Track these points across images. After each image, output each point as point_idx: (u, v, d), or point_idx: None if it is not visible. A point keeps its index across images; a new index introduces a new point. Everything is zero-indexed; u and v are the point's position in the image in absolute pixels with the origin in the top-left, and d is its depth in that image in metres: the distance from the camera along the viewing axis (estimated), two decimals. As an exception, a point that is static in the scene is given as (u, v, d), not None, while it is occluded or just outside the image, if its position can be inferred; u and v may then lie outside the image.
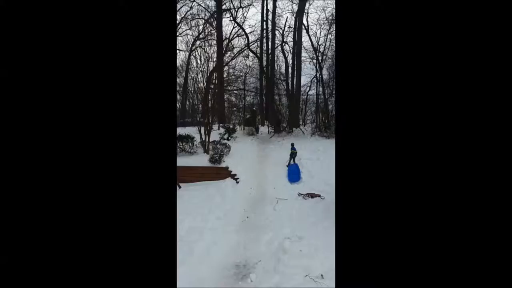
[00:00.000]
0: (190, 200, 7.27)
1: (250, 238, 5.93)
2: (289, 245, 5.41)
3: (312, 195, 7.76)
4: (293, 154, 9.98)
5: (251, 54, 17.55)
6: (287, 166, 9.78)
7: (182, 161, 9.14)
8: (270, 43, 16.96)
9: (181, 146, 9.84)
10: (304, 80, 16.66)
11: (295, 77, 16.22)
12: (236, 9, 17.08)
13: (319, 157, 9.86)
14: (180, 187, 8.05)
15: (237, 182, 8.82)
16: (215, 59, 15.72)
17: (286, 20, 18.19)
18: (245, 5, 17.25)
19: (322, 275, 4.36)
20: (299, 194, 7.93)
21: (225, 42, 16.99)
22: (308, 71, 18.84)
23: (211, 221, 6.50)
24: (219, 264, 5.01)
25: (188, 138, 9.99)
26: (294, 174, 9.24)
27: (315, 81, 15.59)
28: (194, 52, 16.97)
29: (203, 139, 10.34)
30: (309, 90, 16.34)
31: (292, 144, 10.40)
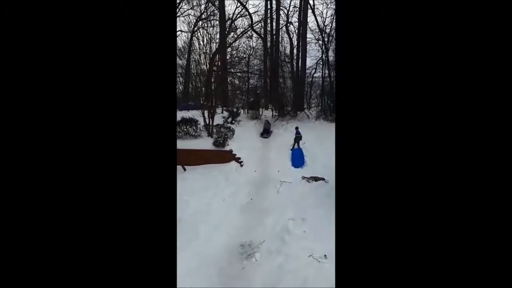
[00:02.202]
0: (195, 182, 7.38)
1: (254, 219, 6.05)
2: (293, 226, 5.53)
3: (316, 179, 7.81)
4: (297, 138, 9.96)
5: (254, 35, 17.13)
6: (291, 150, 9.79)
7: (187, 144, 9.19)
8: (274, 24, 16.47)
9: (185, 130, 9.85)
10: (310, 62, 16.28)
11: (300, 59, 15.85)
12: (240, -13, 16.48)
13: (324, 141, 9.81)
14: (185, 169, 8.15)
15: (241, 165, 8.88)
16: (217, 40, 15.35)
17: (291, 0, 17.55)
18: (248, -17, 16.61)
19: (325, 255, 4.46)
20: (303, 178, 7.98)
21: (228, 22, 16.52)
22: (313, 53, 18.35)
23: (216, 203, 6.62)
24: (224, 244, 5.15)
25: (192, 122, 9.97)
26: (298, 158, 9.25)
27: (321, 63, 15.22)
28: (196, 33, 16.57)
29: (207, 123, 10.32)
30: (314, 73, 15.97)
31: (297, 128, 10.35)
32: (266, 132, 11.68)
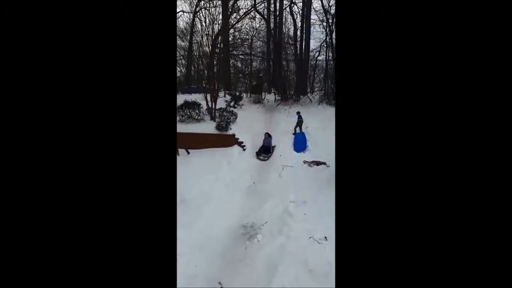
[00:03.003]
0: (199, 165, 7.49)
1: (256, 202, 6.21)
2: (294, 209, 5.67)
3: (318, 163, 7.89)
4: (299, 123, 9.98)
5: (258, 16, 16.65)
6: (293, 134, 9.83)
7: (189, 128, 9.23)
8: (278, 4, 15.95)
9: (188, 113, 9.85)
10: (313, 44, 15.95)
11: (303, 41, 15.49)
12: (242, -35, 15.84)
13: (326, 126, 9.80)
14: (188, 153, 8.25)
15: (244, 150, 8.96)
16: (220, 21, 14.97)
17: (296, -22, 16.87)
18: (252, -39, 15.93)
19: (326, 237, 4.61)
20: (305, 162, 8.06)
21: (231, 2, 16.01)
22: (317, 35, 17.85)
23: (219, 186, 6.75)
24: (227, 225, 5.32)
25: (195, 105, 9.95)
26: (300, 143, 9.29)
27: (325, 45, 14.89)
28: (198, 13, 16.12)
29: (210, 106, 10.29)
30: (318, 56, 15.68)
31: (298, 113, 10.34)
32: (266, 152, 8.60)
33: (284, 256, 4.38)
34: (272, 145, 8.91)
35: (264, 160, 8.50)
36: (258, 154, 8.64)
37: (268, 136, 9.06)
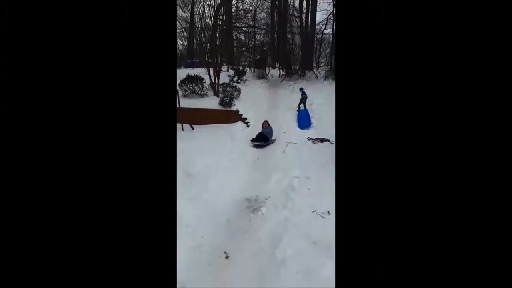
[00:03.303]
0: (203, 141, 7.50)
1: (260, 177, 6.28)
2: (298, 184, 5.73)
3: (322, 140, 7.87)
4: (303, 99, 9.84)
5: (262, -15, 15.80)
6: (297, 111, 9.72)
7: (193, 103, 9.16)
8: (284, -28, 15.06)
9: (191, 88, 9.70)
10: (320, 17, 15.19)
11: (309, 13, 14.80)
12: None
13: (331, 102, 9.65)
14: (193, 128, 8.24)
15: (248, 126, 8.93)
16: (223, -10, 14.21)
17: None
18: None
19: (328, 211, 4.70)
20: (309, 139, 8.05)
21: (234, -31, 15.14)
22: (324, 6, 16.91)
23: (223, 161, 6.80)
24: (231, 199, 5.43)
25: (198, 80, 9.77)
26: (304, 119, 9.22)
27: (332, 18, 14.21)
28: (199, -19, 15.28)
29: (213, 81, 10.11)
30: (324, 29, 15.02)
31: (301, 89, 10.18)
32: (263, 139, 7.74)
33: (287, 228, 4.49)
34: (273, 138, 8.07)
35: (259, 147, 7.72)
36: (253, 140, 7.84)
37: (267, 125, 8.20)
